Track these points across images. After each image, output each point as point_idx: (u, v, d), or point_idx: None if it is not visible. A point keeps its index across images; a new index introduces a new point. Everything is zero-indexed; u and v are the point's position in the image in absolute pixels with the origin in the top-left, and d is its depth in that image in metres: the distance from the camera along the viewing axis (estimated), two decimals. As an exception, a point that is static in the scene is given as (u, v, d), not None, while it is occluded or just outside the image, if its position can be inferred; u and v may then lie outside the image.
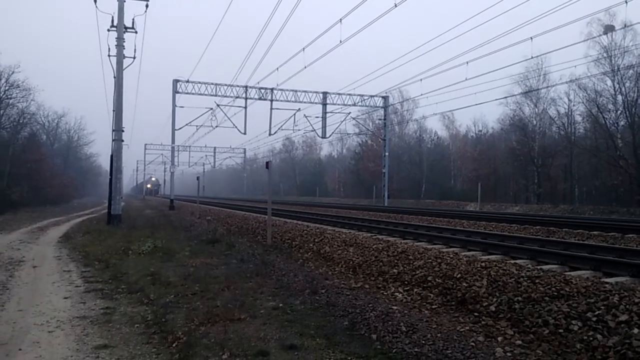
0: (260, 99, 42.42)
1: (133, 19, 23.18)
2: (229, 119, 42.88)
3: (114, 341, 5.71)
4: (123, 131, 22.25)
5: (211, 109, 43.69)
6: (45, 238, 18.06)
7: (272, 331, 5.91)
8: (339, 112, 46.32)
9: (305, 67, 30.52)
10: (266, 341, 5.56)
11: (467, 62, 29.26)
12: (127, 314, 6.86)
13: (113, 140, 22.17)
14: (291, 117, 44.67)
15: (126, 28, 22.55)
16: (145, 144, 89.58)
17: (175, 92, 41.17)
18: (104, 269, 10.71)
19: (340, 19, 24.60)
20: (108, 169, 24.18)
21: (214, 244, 14.19)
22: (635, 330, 5.01)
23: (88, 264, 11.44)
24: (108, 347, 5.51)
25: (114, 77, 22.42)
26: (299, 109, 44.20)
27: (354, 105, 45.94)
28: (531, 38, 24.99)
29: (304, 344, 5.44)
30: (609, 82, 38.83)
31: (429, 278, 8.16)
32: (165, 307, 7.03)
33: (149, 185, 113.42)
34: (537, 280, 6.94)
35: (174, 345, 5.45)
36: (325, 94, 44.27)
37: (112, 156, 22.33)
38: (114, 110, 22.47)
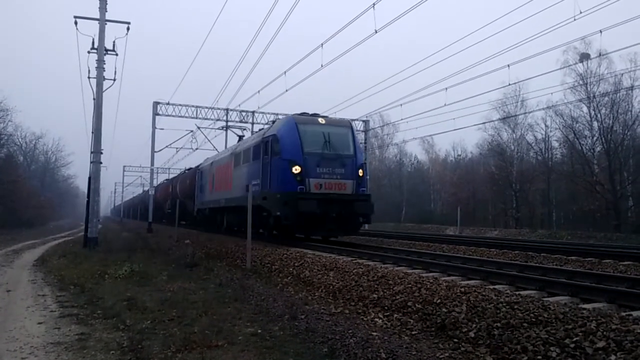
0: (241, 121, 42.35)
1: (114, 41, 23.11)
2: (209, 141, 42.72)
3: (88, 369, 5.58)
4: (102, 153, 22.07)
5: (191, 131, 43.45)
6: (20, 261, 17.72)
7: (251, 358, 5.83)
8: (320, 135, 46.35)
9: (286, 91, 30.67)
10: (244, 368, 5.48)
11: (447, 88, 29.74)
12: (102, 340, 6.72)
13: (91, 162, 21.93)
14: (272, 139, 44.51)
15: (107, 50, 22.48)
16: (124, 166, 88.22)
17: (155, 114, 40.85)
18: (79, 293, 10.51)
19: (322, 44, 24.85)
20: (86, 190, 23.86)
21: (192, 268, 14.04)
22: (613, 357, 5.04)
23: (63, 288, 11.21)
24: (82, 375, 5.39)
25: (94, 99, 22.27)
26: (280, 131, 44.07)
27: (335, 128, 46.01)
28: (508, 65, 25.53)
29: (283, 372, 5.38)
30: (585, 109, 39.72)
31: (409, 303, 8.14)
32: (142, 333, 6.91)
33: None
34: (515, 306, 6.96)
35: (149, 373, 5.34)
36: (306, 117, 44.27)
37: (89, 178, 22.09)
38: (92, 132, 22.29)
